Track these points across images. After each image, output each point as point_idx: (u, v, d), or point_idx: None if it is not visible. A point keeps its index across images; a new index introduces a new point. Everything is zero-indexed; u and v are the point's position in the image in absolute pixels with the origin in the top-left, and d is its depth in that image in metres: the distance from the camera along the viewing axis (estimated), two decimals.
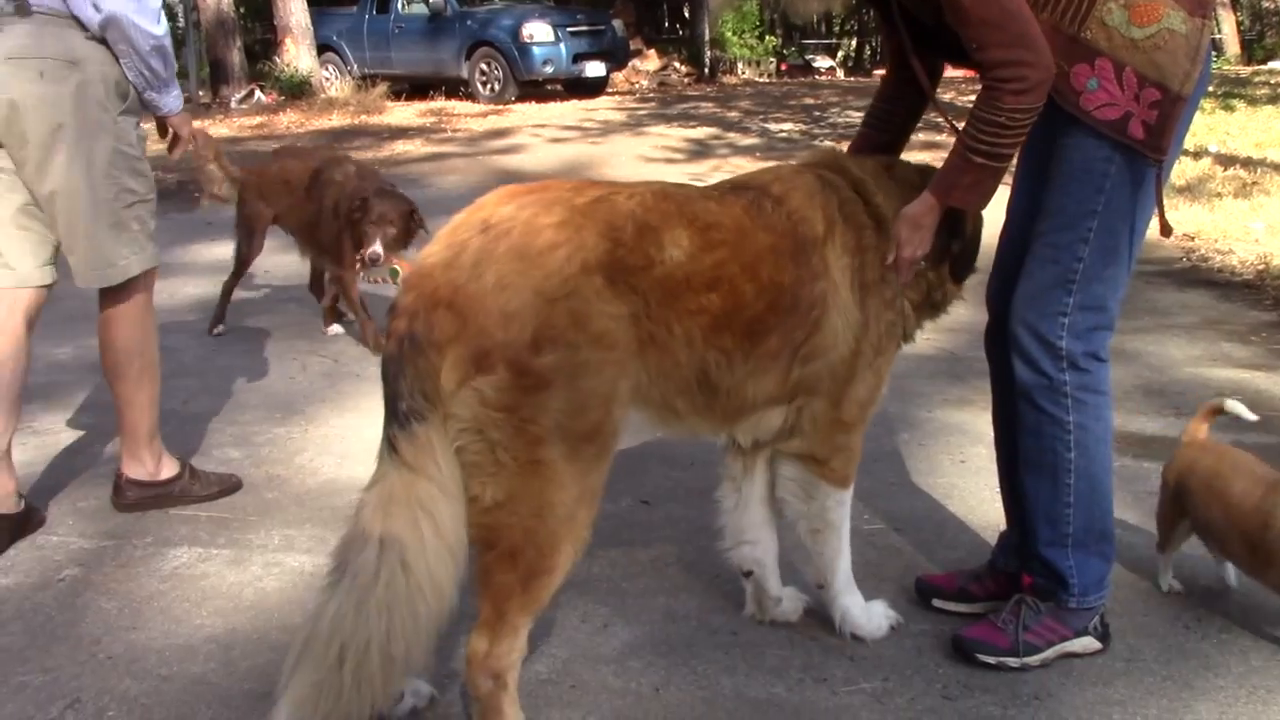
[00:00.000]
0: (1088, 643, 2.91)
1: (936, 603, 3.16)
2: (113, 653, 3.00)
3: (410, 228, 5.44)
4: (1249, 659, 2.90)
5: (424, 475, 2.25)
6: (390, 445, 2.29)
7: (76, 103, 3.43)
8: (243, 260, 6.08)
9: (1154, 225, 2.81)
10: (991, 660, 2.87)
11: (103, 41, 3.45)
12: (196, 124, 3.98)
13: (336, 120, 16.03)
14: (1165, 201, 2.75)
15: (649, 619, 3.13)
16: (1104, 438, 2.84)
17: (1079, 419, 2.79)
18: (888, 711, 2.72)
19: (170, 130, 3.85)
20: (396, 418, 2.28)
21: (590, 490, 2.42)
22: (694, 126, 14.76)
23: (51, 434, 4.58)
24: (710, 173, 11.24)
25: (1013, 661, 2.86)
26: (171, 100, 3.69)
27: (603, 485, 2.47)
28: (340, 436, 4.49)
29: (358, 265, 5.44)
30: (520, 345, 2.24)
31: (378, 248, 5.29)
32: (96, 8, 3.38)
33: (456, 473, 2.28)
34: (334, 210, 5.54)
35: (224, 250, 7.35)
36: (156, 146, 4.04)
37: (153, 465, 3.87)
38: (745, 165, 11.61)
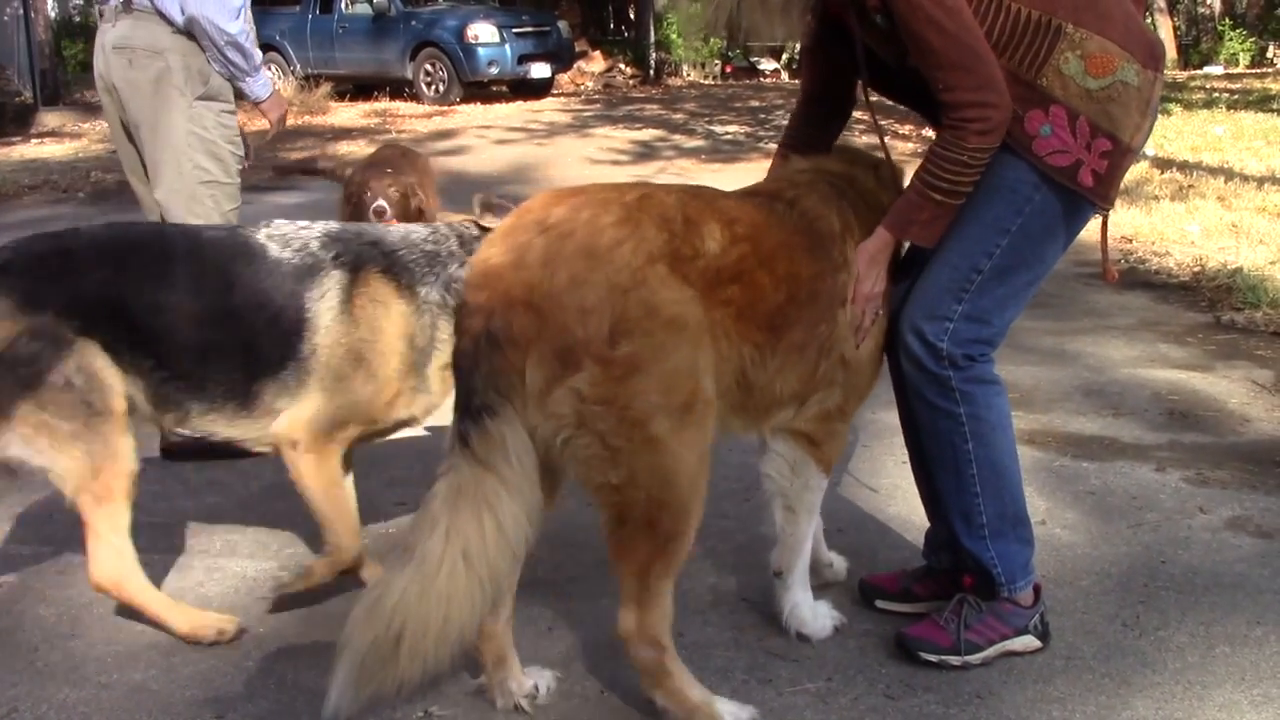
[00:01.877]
0: (1028, 641, 2.95)
1: (880, 603, 3.19)
2: (50, 660, 2.97)
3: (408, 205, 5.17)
4: (1185, 655, 2.95)
5: (492, 471, 2.33)
6: (462, 439, 2.35)
7: (155, 87, 4.02)
8: None
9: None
10: (933, 658, 2.90)
11: (189, 35, 4.02)
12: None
13: None
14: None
15: (594, 622, 3.13)
16: (999, 424, 2.88)
17: (969, 410, 2.83)
18: (831, 711, 2.74)
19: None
20: (469, 412, 2.34)
21: (703, 451, 2.54)
22: (639, 128, 14.77)
23: None
24: (656, 174, 11.28)
25: (954, 660, 2.89)
26: (258, 88, 4.25)
27: (712, 442, 2.58)
28: None
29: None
30: (601, 339, 2.34)
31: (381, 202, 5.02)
32: (182, 9, 3.96)
33: (527, 469, 2.37)
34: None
35: None
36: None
37: None
38: (690, 167, 11.68)
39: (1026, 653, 2.94)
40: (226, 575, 3.40)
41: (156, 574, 3.40)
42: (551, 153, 12.94)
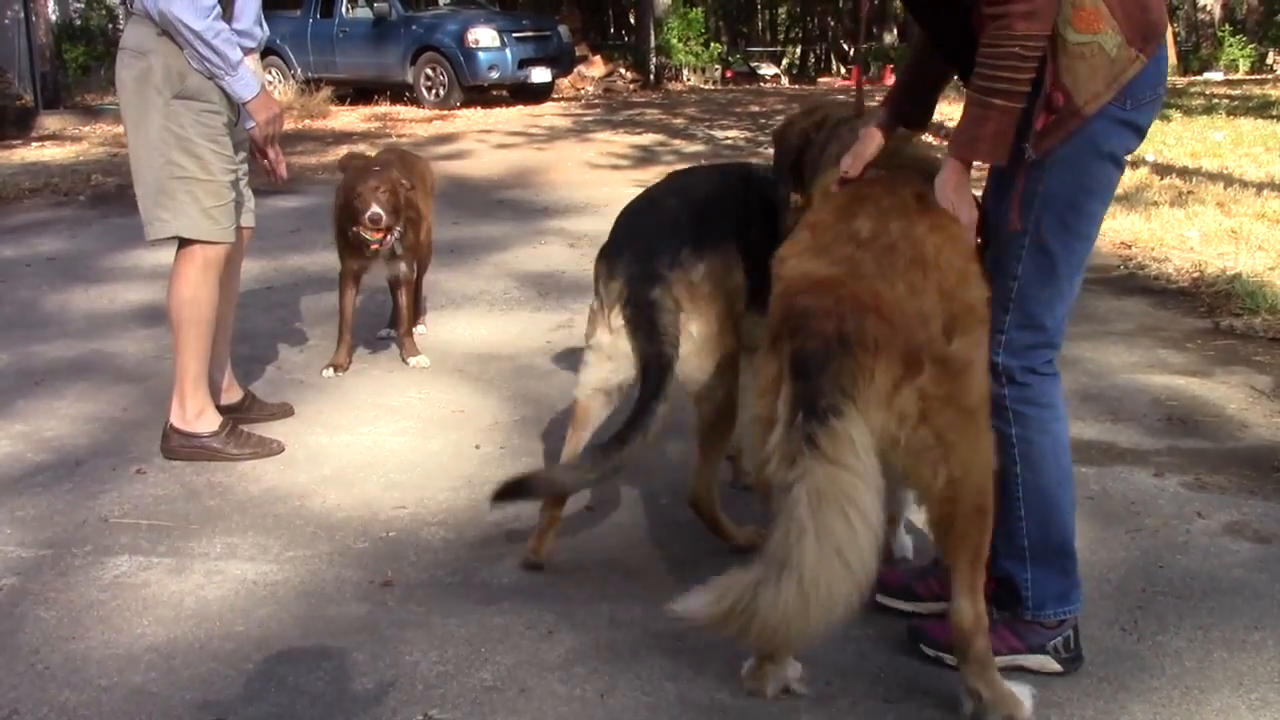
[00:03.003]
0: (1044, 661, 2.90)
1: (880, 598, 3.18)
2: (51, 663, 2.97)
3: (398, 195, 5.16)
4: (1182, 660, 2.95)
5: (845, 467, 2.38)
6: (809, 440, 2.39)
7: (137, 85, 4.10)
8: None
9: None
10: (930, 653, 2.93)
11: (173, 36, 4.02)
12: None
13: None
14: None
15: (594, 625, 3.14)
16: (1052, 451, 2.85)
17: (1021, 432, 2.81)
18: (830, 714, 2.74)
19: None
20: (815, 413, 2.40)
21: None
22: (640, 133, 14.78)
23: None
24: (656, 179, 11.25)
25: (948, 659, 2.86)
26: (238, 87, 4.14)
27: None
28: (282, 442, 4.45)
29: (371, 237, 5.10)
30: (938, 340, 2.50)
31: (376, 209, 5.03)
32: (154, 4, 3.98)
33: (873, 463, 2.43)
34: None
35: (166, 255, 7.25)
36: None
37: (191, 416, 4.28)
38: None
39: (1041, 672, 2.89)
40: (227, 579, 3.39)
41: (156, 577, 3.41)
42: (552, 157, 12.94)
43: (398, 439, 4.51)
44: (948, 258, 2.60)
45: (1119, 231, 8.04)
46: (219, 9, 4.00)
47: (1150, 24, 2.69)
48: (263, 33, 4.40)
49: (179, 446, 4.30)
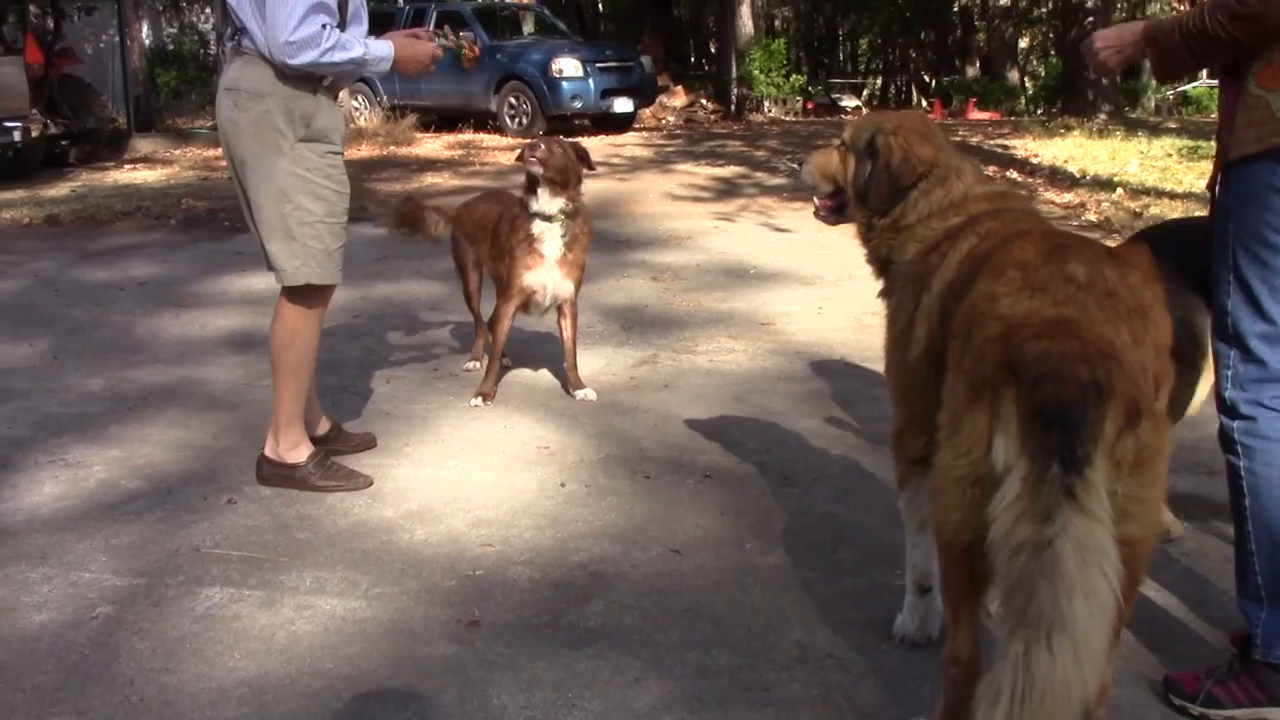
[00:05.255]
0: None
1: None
2: (145, 695, 3.00)
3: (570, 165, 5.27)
4: None
5: (1099, 521, 2.29)
6: (1068, 492, 2.27)
7: (256, 128, 4.05)
8: (468, 297, 6.01)
9: None
10: (1177, 702, 2.95)
11: (293, 77, 4.02)
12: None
13: (365, 151, 16.13)
14: None
15: (681, 673, 3.11)
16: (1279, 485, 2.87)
17: (1247, 464, 2.86)
18: None
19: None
20: (1073, 463, 2.28)
21: None
22: (721, 165, 14.77)
23: (83, 467, 4.59)
24: (737, 212, 11.27)
25: (1192, 709, 2.91)
26: (379, 66, 4.18)
27: None
28: (371, 477, 4.48)
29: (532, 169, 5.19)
30: (1150, 393, 2.42)
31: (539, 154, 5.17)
32: (286, 59, 3.93)
33: (1111, 513, 2.32)
34: (504, 224, 5.45)
35: (256, 281, 7.43)
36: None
37: (283, 449, 4.35)
38: (772, 204, 11.66)
39: None
40: (317, 614, 3.42)
41: (247, 610, 3.44)
42: (634, 188, 12.98)
43: (483, 474, 4.52)
44: (1162, 312, 2.53)
45: None
46: (331, 27, 3.95)
47: None
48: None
49: (270, 475, 4.38)
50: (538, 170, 5.17)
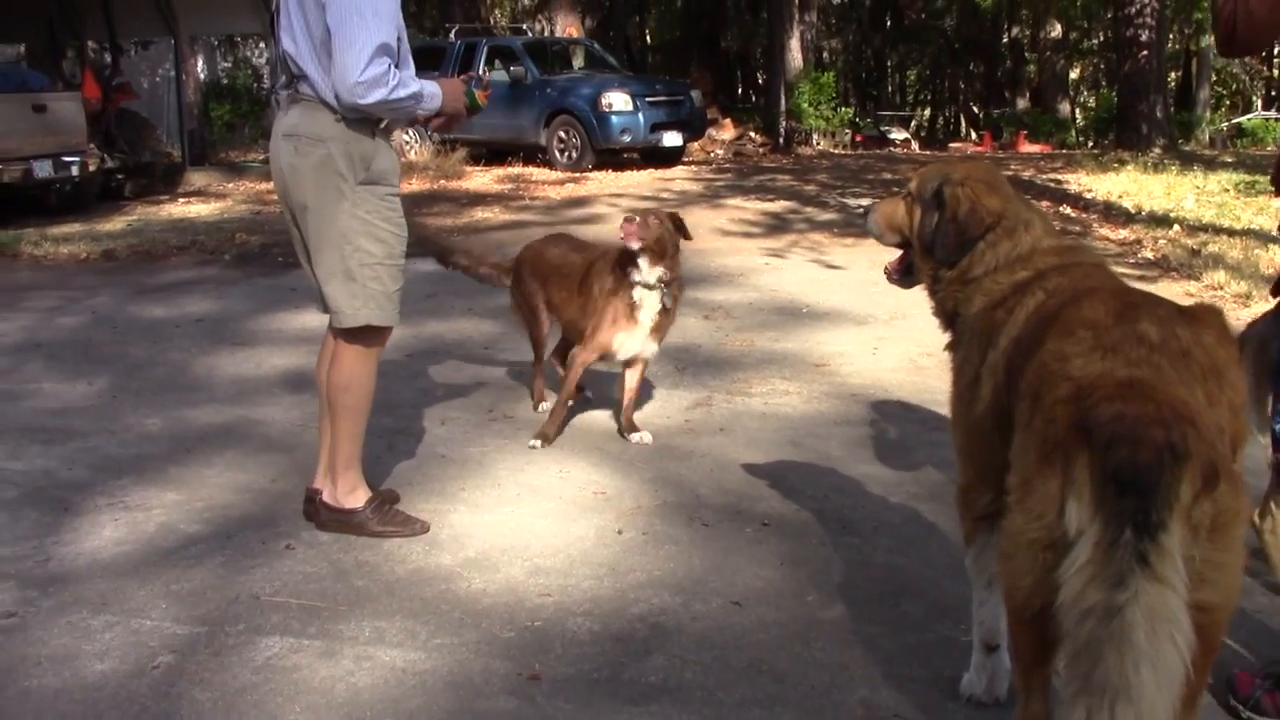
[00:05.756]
0: None
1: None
2: None
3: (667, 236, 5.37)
4: None
5: (1171, 588, 2.25)
6: (1140, 557, 2.24)
7: (318, 173, 4.10)
8: (536, 341, 6.02)
9: None
10: (1232, 702, 3.06)
11: (353, 121, 4.08)
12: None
13: (416, 185, 16.24)
14: (1255, 292, 2.95)
15: None
16: None
17: None
18: None
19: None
20: (1147, 529, 2.24)
21: None
22: (771, 199, 14.75)
23: (143, 510, 4.61)
24: (788, 248, 11.24)
25: (1243, 712, 3.01)
26: (430, 104, 4.20)
27: None
28: (427, 523, 4.47)
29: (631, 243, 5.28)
30: (1228, 454, 2.38)
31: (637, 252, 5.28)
32: (354, 99, 3.98)
33: (1185, 580, 2.28)
34: (595, 280, 5.54)
35: (310, 319, 7.45)
36: None
37: (340, 493, 4.35)
38: (823, 240, 11.63)
39: None
40: (376, 665, 3.40)
41: (307, 660, 3.43)
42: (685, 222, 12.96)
43: (540, 521, 4.50)
44: (1237, 372, 2.49)
45: None
46: (393, 66, 4.00)
47: None
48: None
49: (328, 520, 4.37)
50: (635, 245, 5.27)
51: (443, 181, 17.11)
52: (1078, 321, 2.53)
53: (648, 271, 5.33)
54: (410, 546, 4.26)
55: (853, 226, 12.57)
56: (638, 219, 5.28)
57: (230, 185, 17.58)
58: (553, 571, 4.04)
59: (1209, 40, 30.84)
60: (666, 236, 5.35)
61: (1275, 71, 39.69)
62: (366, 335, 4.29)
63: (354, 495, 4.36)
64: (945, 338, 3.24)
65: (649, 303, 5.38)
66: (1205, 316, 2.56)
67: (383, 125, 4.21)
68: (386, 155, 4.26)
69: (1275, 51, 39.84)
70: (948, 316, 3.20)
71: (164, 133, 19.84)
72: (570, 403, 5.66)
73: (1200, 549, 2.31)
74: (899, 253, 3.48)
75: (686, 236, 5.47)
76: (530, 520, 4.51)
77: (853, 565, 4.09)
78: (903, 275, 3.44)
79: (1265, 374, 3.38)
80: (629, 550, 4.22)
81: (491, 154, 19.95)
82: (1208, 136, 28.72)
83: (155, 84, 22.92)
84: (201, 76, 24.39)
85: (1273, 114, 33.83)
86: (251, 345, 7.47)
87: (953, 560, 4.05)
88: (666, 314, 5.45)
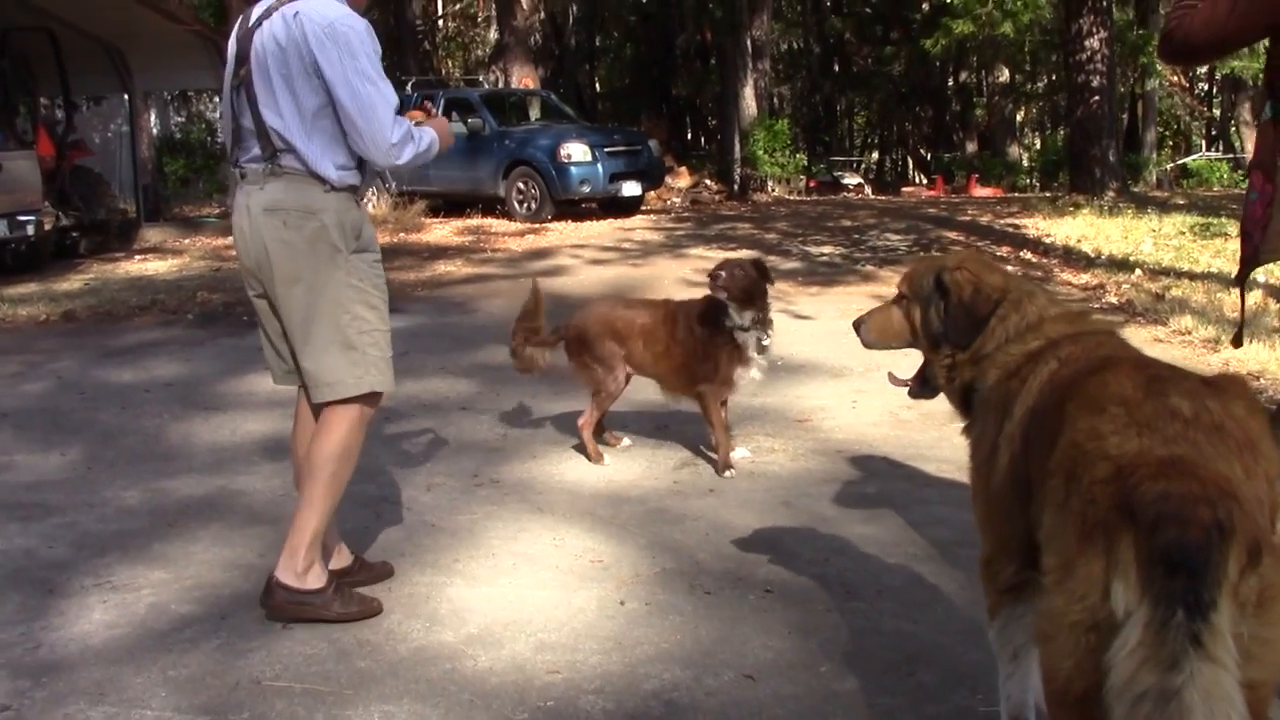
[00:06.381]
0: None
1: None
2: None
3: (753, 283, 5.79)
4: None
5: (1225, 668, 2.21)
6: (1194, 640, 2.19)
7: (310, 246, 4.05)
8: (611, 397, 6.23)
9: None
10: None
11: (342, 190, 4.08)
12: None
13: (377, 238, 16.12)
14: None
15: None
16: None
17: None
18: None
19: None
20: (1199, 609, 2.20)
21: None
22: (733, 248, 14.75)
23: (131, 590, 4.49)
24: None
25: None
26: (437, 149, 4.18)
27: None
28: (425, 596, 4.39)
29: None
30: (1268, 527, 2.33)
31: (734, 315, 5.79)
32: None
33: (1237, 659, 2.23)
34: (692, 329, 5.98)
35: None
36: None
37: (302, 569, 4.14)
38: (789, 290, 11.64)
39: None
40: None
41: None
42: (648, 274, 12.98)
43: (539, 592, 4.43)
44: (1269, 442, 2.45)
45: (1244, 361, 7.87)
46: (400, 121, 4.04)
47: None
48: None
49: (286, 604, 4.15)
50: (723, 295, 5.71)
51: (403, 234, 17.06)
52: (1107, 398, 2.50)
53: (741, 316, 5.78)
54: (410, 624, 4.17)
55: (817, 275, 12.63)
56: (724, 273, 5.72)
57: (186, 241, 17.41)
58: (559, 647, 3.97)
59: (1155, 83, 31.42)
60: (752, 283, 5.76)
61: (1215, 111, 40.50)
62: (364, 403, 4.23)
63: (314, 574, 4.18)
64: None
65: (750, 341, 5.84)
66: (1231, 387, 2.54)
67: (360, 193, 4.21)
68: (368, 222, 4.28)
69: (1214, 92, 40.68)
70: (964, 397, 3.19)
71: (118, 188, 19.64)
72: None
73: (1247, 625, 2.27)
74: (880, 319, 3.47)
75: (770, 281, 5.88)
76: (529, 592, 4.44)
77: (862, 632, 4.04)
78: (923, 386, 3.43)
79: None
80: (634, 622, 4.15)
81: (450, 205, 19.93)
82: (1155, 178, 29.18)
83: (108, 139, 22.71)
84: (155, 131, 24.21)
85: (1215, 154, 34.46)
86: (225, 410, 7.35)
87: (962, 624, 4.03)
88: (765, 350, 5.92)
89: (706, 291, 5.83)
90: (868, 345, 3.48)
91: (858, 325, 3.47)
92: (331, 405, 4.21)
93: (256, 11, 4.12)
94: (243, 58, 4.10)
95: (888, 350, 3.49)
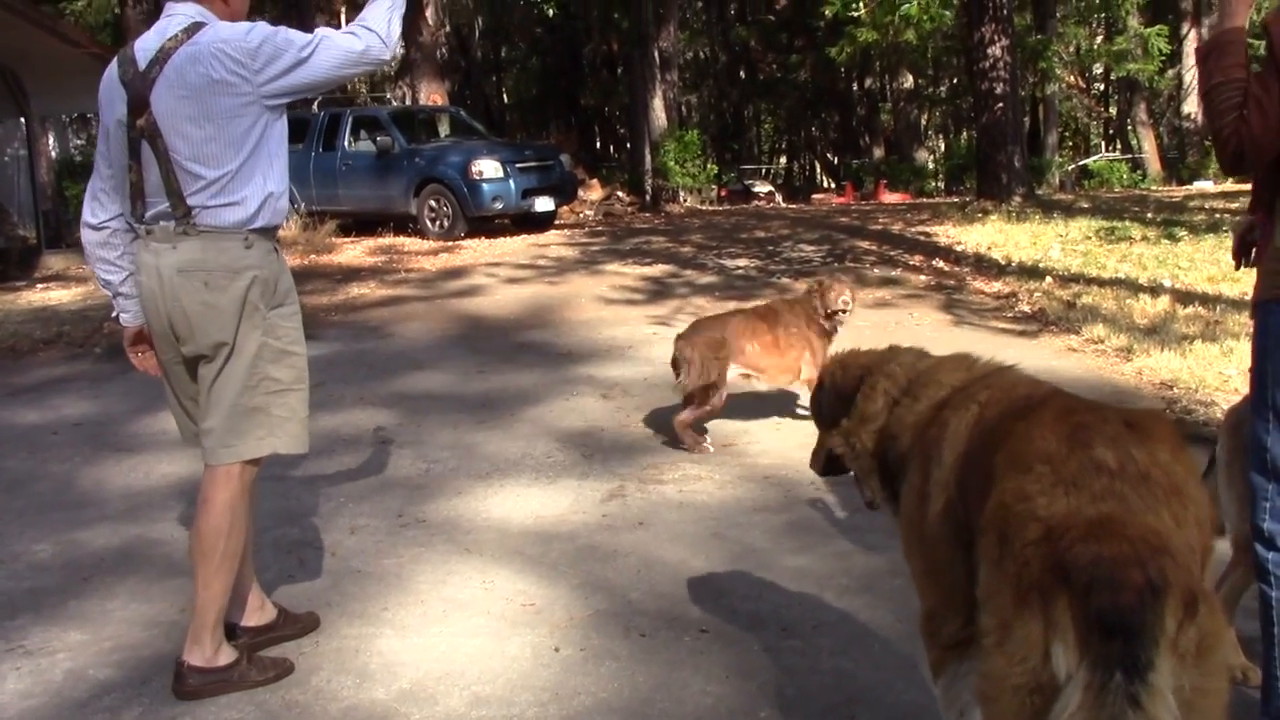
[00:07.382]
0: None
1: None
2: None
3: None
4: None
5: None
6: (1132, 700, 2.19)
7: (238, 307, 3.89)
8: (716, 409, 6.91)
9: None
10: None
11: (261, 244, 3.93)
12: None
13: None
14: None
15: None
16: None
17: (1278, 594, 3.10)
18: None
19: None
20: (1137, 670, 2.19)
21: None
22: (649, 264, 14.76)
23: (46, 654, 4.32)
24: (672, 315, 11.20)
25: None
26: (399, 6, 3.98)
27: None
28: (354, 650, 4.28)
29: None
30: (1199, 575, 2.33)
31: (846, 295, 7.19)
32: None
33: (1177, 715, 2.22)
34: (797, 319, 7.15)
35: None
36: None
37: (211, 651, 3.97)
38: (706, 305, 11.63)
39: None
40: None
41: None
42: (565, 292, 12.90)
43: (472, 640, 4.34)
44: (1197, 485, 2.45)
45: (1156, 370, 7.99)
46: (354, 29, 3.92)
47: None
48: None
49: (201, 686, 3.95)
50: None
51: (313, 256, 16.79)
52: (1032, 455, 2.49)
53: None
54: (340, 680, 4.06)
55: (734, 289, 12.64)
56: (846, 293, 7.15)
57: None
58: (494, 700, 3.89)
59: (1054, 87, 31.94)
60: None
61: (1113, 110, 41.29)
62: (243, 472, 4.02)
63: (223, 650, 4.03)
64: None
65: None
66: (1154, 429, 2.53)
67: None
68: (286, 271, 4.12)
69: (1110, 92, 41.49)
70: (880, 466, 3.22)
71: (17, 215, 19.16)
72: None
73: (1188, 676, 2.27)
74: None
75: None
76: (462, 641, 4.35)
77: (800, 673, 4.01)
78: (825, 464, 3.51)
79: (1240, 453, 3.43)
80: (570, 670, 4.08)
81: (360, 225, 19.67)
82: (1058, 179, 29.68)
83: (5, 164, 22.13)
84: (54, 155, 23.66)
85: (1114, 154, 35.14)
86: (137, 451, 7.15)
87: (899, 660, 4.02)
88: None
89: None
90: (822, 474, 3.60)
91: (815, 475, 3.66)
92: (214, 473, 4.01)
93: (143, 58, 3.83)
94: (138, 106, 3.82)
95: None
